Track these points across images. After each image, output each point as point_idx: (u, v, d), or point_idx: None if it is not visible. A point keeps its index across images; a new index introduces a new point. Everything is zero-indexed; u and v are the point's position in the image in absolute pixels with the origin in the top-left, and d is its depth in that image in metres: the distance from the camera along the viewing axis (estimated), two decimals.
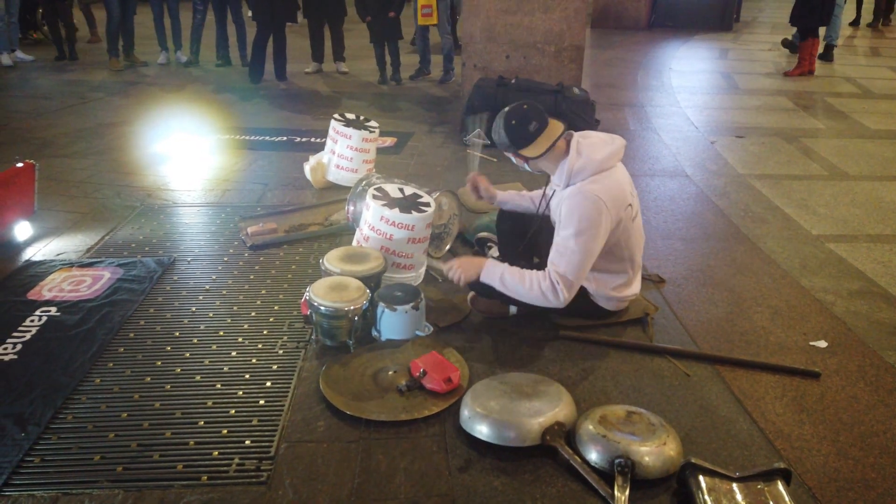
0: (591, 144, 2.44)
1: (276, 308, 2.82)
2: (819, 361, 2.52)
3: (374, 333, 2.58)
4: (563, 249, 2.38)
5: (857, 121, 6.16)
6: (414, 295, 2.55)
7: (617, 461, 1.87)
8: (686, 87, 7.52)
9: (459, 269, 2.51)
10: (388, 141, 5.17)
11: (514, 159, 2.52)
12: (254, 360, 2.47)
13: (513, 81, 5.10)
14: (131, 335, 2.62)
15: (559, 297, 2.37)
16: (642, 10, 11.90)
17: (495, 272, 2.46)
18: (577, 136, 2.46)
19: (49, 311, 2.75)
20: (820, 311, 2.88)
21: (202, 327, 2.68)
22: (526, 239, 2.86)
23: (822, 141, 5.52)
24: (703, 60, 9.21)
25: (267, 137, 5.29)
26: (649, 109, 6.46)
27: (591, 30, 8.03)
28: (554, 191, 2.58)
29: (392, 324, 2.52)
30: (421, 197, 2.91)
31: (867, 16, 12.60)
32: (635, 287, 2.68)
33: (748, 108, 6.61)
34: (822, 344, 2.63)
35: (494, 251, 3.16)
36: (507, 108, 2.45)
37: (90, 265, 3.15)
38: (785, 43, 9.59)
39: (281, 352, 2.52)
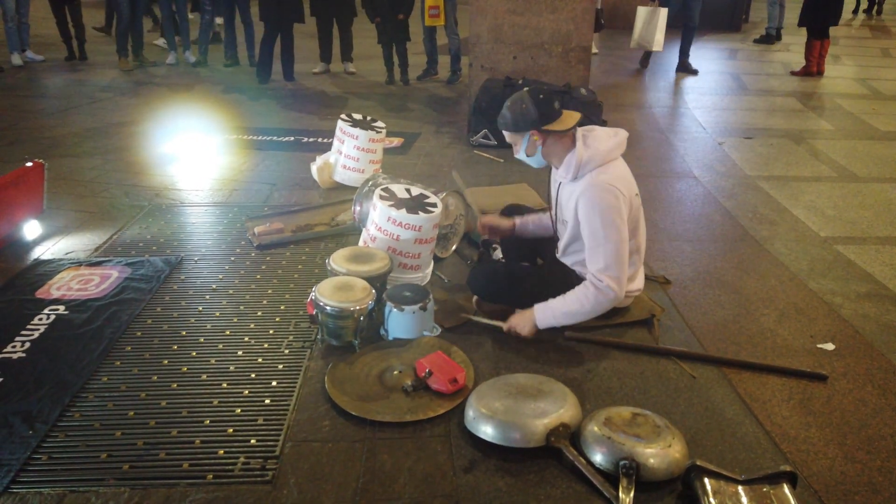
0: (597, 137, 2.48)
1: (282, 308, 2.83)
2: (826, 364, 2.50)
3: (382, 332, 2.59)
4: (596, 246, 2.40)
5: (867, 122, 6.12)
6: (422, 295, 2.55)
7: (622, 463, 1.87)
8: (694, 87, 7.49)
9: (515, 327, 2.53)
10: (395, 141, 5.18)
11: (524, 142, 2.47)
12: (260, 360, 2.48)
13: (520, 82, 5.10)
14: (138, 334, 2.63)
15: (609, 295, 2.39)
16: None
17: (547, 314, 2.48)
18: (582, 131, 2.50)
19: (57, 309, 2.77)
20: (828, 314, 2.87)
21: (209, 326, 2.69)
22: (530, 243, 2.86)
23: (830, 142, 5.49)
24: (711, 61, 9.17)
25: (274, 137, 5.30)
26: (657, 110, 6.44)
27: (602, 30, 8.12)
28: (560, 183, 2.58)
29: (399, 324, 2.53)
30: (428, 197, 2.92)
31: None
32: (639, 282, 2.69)
33: (757, 110, 6.58)
34: (830, 346, 2.61)
35: (498, 252, 3.16)
36: (526, 88, 2.46)
37: (98, 264, 3.17)
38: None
39: (287, 351, 2.53)
